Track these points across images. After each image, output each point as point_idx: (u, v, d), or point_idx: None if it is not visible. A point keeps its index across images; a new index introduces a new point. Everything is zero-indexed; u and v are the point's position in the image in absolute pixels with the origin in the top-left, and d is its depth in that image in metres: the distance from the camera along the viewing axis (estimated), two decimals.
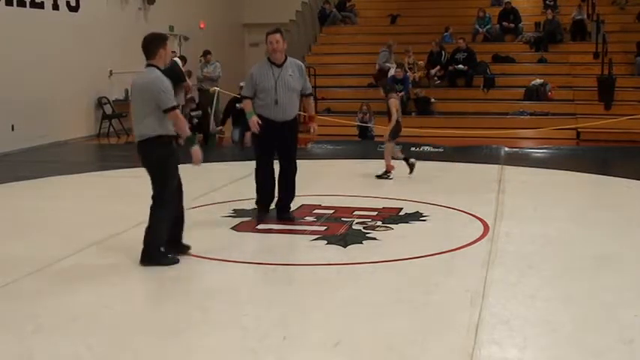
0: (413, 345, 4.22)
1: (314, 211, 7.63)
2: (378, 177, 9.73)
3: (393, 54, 16.45)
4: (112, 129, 15.25)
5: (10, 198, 8.72)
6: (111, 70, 15.63)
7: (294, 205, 7.60)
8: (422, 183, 9.79)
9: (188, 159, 5.93)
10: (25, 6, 13.17)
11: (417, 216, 7.47)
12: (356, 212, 7.57)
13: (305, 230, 6.89)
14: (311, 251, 6.25)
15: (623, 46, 16.20)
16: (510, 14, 17.91)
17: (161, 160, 5.83)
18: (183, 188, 6.00)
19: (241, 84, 14.25)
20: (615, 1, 18.35)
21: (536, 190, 9.21)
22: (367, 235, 6.69)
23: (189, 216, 7.58)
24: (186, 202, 8.04)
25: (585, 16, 17.36)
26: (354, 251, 6.17)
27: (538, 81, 15.70)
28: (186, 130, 5.82)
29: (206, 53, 16.12)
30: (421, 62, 16.60)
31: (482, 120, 14.96)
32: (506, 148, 12.70)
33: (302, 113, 7.84)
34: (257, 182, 7.37)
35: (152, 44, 5.91)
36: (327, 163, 10.34)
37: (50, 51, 13.44)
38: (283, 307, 4.91)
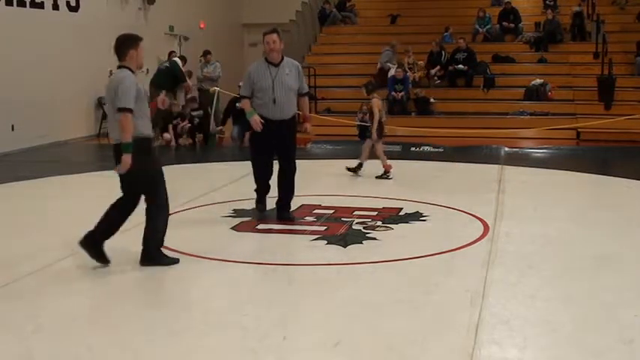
0: (413, 345, 4.22)
1: (314, 211, 7.63)
2: (378, 177, 9.74)
3: (396, 54, 16.44)
4: None
5: (10, 198, 8.72)
6: (111, 70, 15.49)
7: (294, 205, 7.60)
8: (422, 183, 9.80)
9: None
10: (25, 6, 13.17)
11: (417, 216, 7.47)
12: (356, 212, 7.57)
13: (305, 230, 6.89)
14: (311, 251, 6.25)
15: (623, 46, 16.20)
16: (510, 14, 17.91)
17: (140, 164, 5.66)
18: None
19: (240, 84, 14.31)
20: (615, 1, 18.35)
21: (536, 190, 9.21)
22: (367, 235, 6.69)
23: (189, 216, 7.63)
24: (187, 202, 8.11)
25: (584, 11, 17.36)
26: (354, 251, 6.17)
27: (538, 81, 15.70)
28: (127, 137, 5.55)
29: (206, 53, 16.13)
30: (421, 62, 16.60)
31: (482, 120, 14.96)
32: (506, 148, 12.71)
33: (299, 112, 7.87)
34: (255, 177, 7.43)
35: (123, 45, 5.85)
36: (327, 163, 10.35)
37: (50, 51, 13.44)
38: (283, 307, 4.91)
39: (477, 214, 7.44)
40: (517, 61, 17.00)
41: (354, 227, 6.96)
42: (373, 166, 10.02)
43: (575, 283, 5.36)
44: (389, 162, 9.86)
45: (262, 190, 7.50)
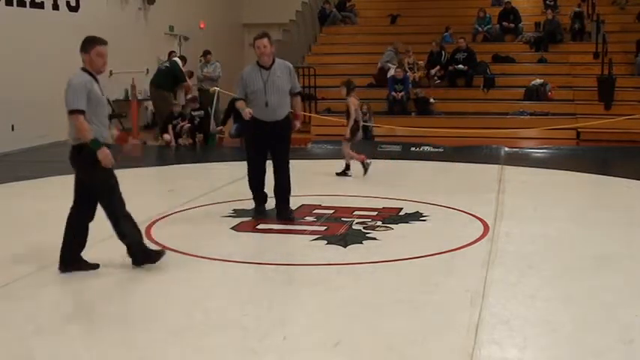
0: (413, 345, 4.22)
1: (314, 211, 7.63)
2: (338, 174, 9.85)
3: (398, 55, 16.44)
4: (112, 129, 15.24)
5: (10, 198, 8.72)
6: (111, 70, 15.59)
7: (294, 205, 7.62)
8: (422, 183, 9.80)
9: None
10: (25, 6, 13.18)
11: (417, 216, 7.47)
12: (356, 212, 7.57)
13: (305, 230, 6.89)
14: (311, 251, 6.25)
15: (623, 46, 16.20)
16: (510, 14, 17.90)
17: (91, 167, 5.46)
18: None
19: None
20: (615, 1, 18.35)
21: (536, 190, 9.22)
22: (367, 235, 6.69)
23: (189, 216, 7.63)
24: (187, 202, 8.11)
25: (584, 11, 17.38)
26: (354, 251, 6.17)
27: (538, 81, 15.69)
28: (87, 135, 5.35)
29: (206, 53, 16.13)
30: (421, 62, 16.60)
31: (482, 120, 14.95)
32: (506, 148, 12.70)
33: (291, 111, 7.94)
34: (250, 181, 7.53)
35: (81, 48, 5.75)
36: (327, 163, 10.34)
37: (50, 51, 13.43)
38: (283, 307, 4.91)
39: (477, 214, 7.44)
40: (517, 61, 16.99)
41: (354, 227, 6.96)
42: (373, 166, 10.02)
43: (575, 283, 5.36)
44: (364, 156, 9.94)
45: (259, 199, 7.58)
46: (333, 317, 4.67)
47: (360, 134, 10.29)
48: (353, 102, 10.03)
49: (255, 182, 7.51)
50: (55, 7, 13.94)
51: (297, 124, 7.82)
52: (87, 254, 5.67)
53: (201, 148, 13.54)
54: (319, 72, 16.32)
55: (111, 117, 15.23)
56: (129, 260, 5.73)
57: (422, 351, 4.16)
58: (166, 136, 13.52)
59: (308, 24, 19.47)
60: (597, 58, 15.78)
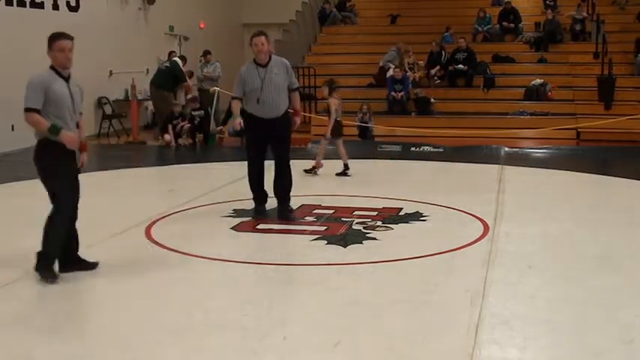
0: (413, 345, 4.22)
1: (314, 211, 7.63)
2: (306, 172, 9.87)
3: (400, 55, 16.42)
4: (112, 129, 15.26)
5: (10, 198, 8.71)
6: (111, 70, 15.63)
7: (294, 205, 7.63)
8: (422, 183, 9.80)
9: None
10: (25, 6, 13.17)
11: (417, 216, 7.47)
12: (356, 212, 7.57)
13: (305, 230, 6.89)
14: (311, 251, 6.25)
15: (623, 46, 16.20)
16: (510, 14, 17.90)
17: (48, 168, 5.38)
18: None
19: None
20: (615, 1, 18.35)
21: (536, 190, 9.22)
22: (367, 235, 6.69)
23: (189, 216, 7.63)
24: (187, 202, 8.11)
25: (585, 14, 17.37)
26: (354, 251, 6.17)
27: (538, 81, 15.69)
28: (41, 128, 5.25)
29: (206, 53, 16.13)
30: (421, 62, 16.60)
31: (482, 120, 14.95)
32: (506, 148, 12.70)
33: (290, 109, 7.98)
34: (250, 180, 7.58)
35: (47, 45, 5.69)
36: (327, 163, 10.33)
37: None
38: (283, 307, 4.91)
39: (477, 214, 7.44)
40: (517, 61, 16.99)
41: (354, 227, 6.96)
42: (374, 166, 10.03)
43: (575, 283, 5.36)
44: (323, 161, 9.98)
45: (260, 196, 7.61)
46: (333, 317, 4.67)
47: (342, 133, 10.33)
48: (334, 102, 10.12)
49: (255, 182, 7.55)
50: (55, 7, 13.93)
51: (297, 120, 7.89)
52: (86, 254, 5.67)
53: (201, 148, 13.54)
54: (319, 72, 16.32)
55: (110, 117, 15.29)
56: (129, 260, 5.74)
57: (422, 351, 4.16)
58: (166, 136, 13.51)
59: (308, 24, 19.47)
60: (597, 58, 15.78)
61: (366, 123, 14.07)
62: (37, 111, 5.28)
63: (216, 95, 14.32)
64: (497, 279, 5.38)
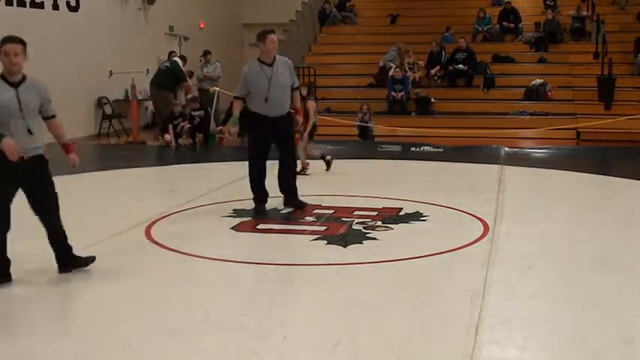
0: (413, 345, 4.22)
1: (314, 211, 7.63)
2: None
3: (401, 55, 16.43)
4: (112, 129, 15.26)
5: None
6: (111, 70, 15.63)
7: (294, 205, 7.64)
8: (422, 183, 9.80)
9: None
10: (25, 6, 13.18)
11: (417, 216, 7.47)
12: (356, 212, 7.57)
13: (305, 230, 6.89)
14: (311, 251, 6.25)
15: (623, 46, 16.20)
16: (510, 14, 17.91)
17: None
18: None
19: None
20: (615, 1, 18.35)
21: (536, 190, 9.21)
22: (367, 235, 6.69)
23: (189, 216, 7.63)
24: (186, 202, 8.11)
25: (585, 13, 17.38)
26: (354, 251, 6.17)
27: (538, 81, 15.70)
28: None
29: (206, 53, 16.13)
30: (421, 62, 16.60)
31: (482, 120, 14.96)
32: (506, 148, 12.70)
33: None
34: (251, 180, 7.64)
35: None
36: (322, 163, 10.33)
37: (50, 51, 13.42)
38: (283, 307, 4.91)
39: (477, 214, 7.44)
40: (517, 61, 17.00)
41: (354, 227, 6.96)
42: (374, 166, 10.03)
43: (575, 283, 5.36)
44: (308, 161, 10.05)
45: (261, 196, 7.64)
46: (333, 317, 4.67)
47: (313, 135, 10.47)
48: (312, 105, 10.22)
49: (257, 182, 7.58)
50: (55, 7, 13.93)
51: (299, 119, 8.00)
52: (85, 253, 5.67)
53: (201, 148, 13.53)
54: (319, 72, 16.33)
55: (110, 117, 15.29)
56: (129, 260, 5.74)
57: (422, 351, 4.16)
58: (167, 136, 13.51)
59: (308, 24, 19.47)
60: (597, 58, 15.78)
61: (366, 123, 14.07)
62: None
63: (216, 95, 14.32)
64: (497, 279, 5.38)
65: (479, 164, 11.09)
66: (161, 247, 6.31)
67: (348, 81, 17.12)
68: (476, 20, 17.94)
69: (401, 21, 19.24)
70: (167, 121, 13.72)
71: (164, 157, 12.95)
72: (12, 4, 12.86)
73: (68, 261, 5.54)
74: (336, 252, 6.15)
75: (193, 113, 13.75)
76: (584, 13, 17.43)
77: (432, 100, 15.57)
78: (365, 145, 13.45)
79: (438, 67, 16.35)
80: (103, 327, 4.52)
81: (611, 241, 6.62)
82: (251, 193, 7.67)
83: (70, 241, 5.62)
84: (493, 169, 10.59)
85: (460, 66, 16.10)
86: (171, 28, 18.28)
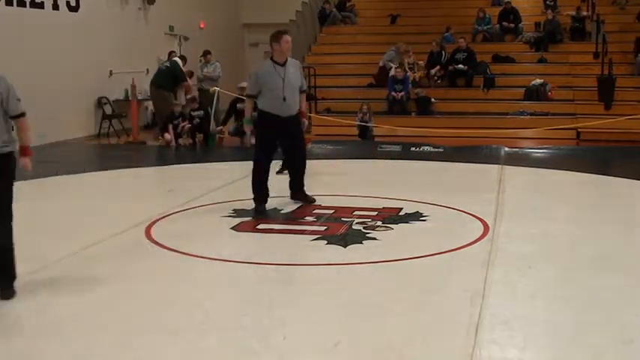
0: (413, 345, 4.22)
1: (314, 211, 7.63)
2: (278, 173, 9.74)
3: (399, 55, 16.42)
4: (112, 129, 15.26)
5: None
6: (111, 70, 15.63)
7: (294, 205, 7.63)
8: (422, 183, 9.80)
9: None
10: (25, 6, 13.17)
11: (417, 216, 7.47)
12: (356, 212, 7.57)
13: (305, 230, 6.89)
14: (311, 251, 6.25)
15: (623, 46, 16.19)
16: (510, 14, 17.89)
17: None
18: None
19: (242, 84, 14.30)
20: (615, 1, 18.34)
21: (536, 190, 9.22)
22: (367, 235, 6.69)
23: (189, 216, 7.63)
24: (187, 203, 8.11)
25: (585, 13, 17.38)
26: (354, 251, 6.17)
27: (538, 81, 15.69)
28: None
29: (206, 53, 16.13)
30: (421, 62, 16.60)
31: (482, 120, 14.94)
32: (506, 148, 12.70)
33: None
34: (254, 180, 7.68)
35: None
36: (327, 163, 10.35)
37: (50, 51, 13.43)
38: (283, 307, 4.91)
39: (477, 214, 7.44)
40: (517, 61, 16.98)
41: (354, 227, 6.96)
42: (374, 166, 10.04)
43: (575, 283, 5.36)
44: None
45: (262, 196, 7.67)
46: (333, 317, 4.67)
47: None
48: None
49: (260, 182, 7.65)
50: (55, 7, 13.93)
51: (305, 121, 8.16)
52: (86, 254, 5.66)
53: (201, 148, 13.53)
54: (319, 72, 16.32)
55: (110, 117, 15.29)
56: (129, 260, 5.73)
57: (422, 351, 4.16)
58: (167, 136, 13.51)
59: (308, 24, 19.46)
60: (597, 58, 15.77)
61: (366, 123, 14.07)
62: None
63: (216, 95, 14.31)
64: (497, 279, 5.38)
65: (479, 164, 11.09)
66: (161, 247, 6.31)
67: (348, 81, 17.10)
68: (476, 20, 17.93)
69: (401, 21, 19.23)
70: (167, 121, 13.72)
71: (164, 157, 12.95)
72: (12, 4, 12.85)
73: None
74: (336, 252, 6.16)
75: (193, 113, 13.75)
76: (584, 13, 17.43)
77: (432, 100, 15.56)
78: (365, 145, 13.45)
79: (438, 67, 16.33)
80: (103, 327, 4.52)
81: (611, 241, 6.62)
82: (251, 192, 7.68)
83: (71, 240, 5.62)
84: (493, 169, 10.59)
85: (460, 66, 16.10)
86: (171, 28, 18.28)
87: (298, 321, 4.65)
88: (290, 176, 8.01)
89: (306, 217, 7.41)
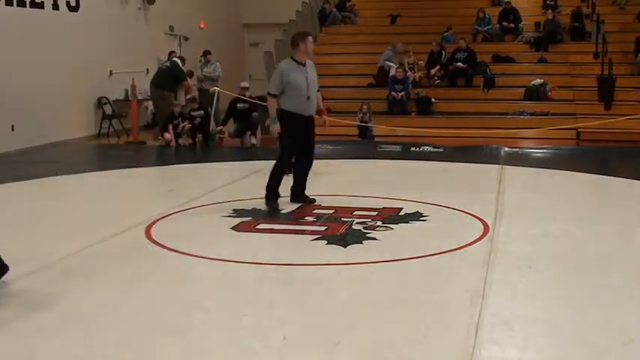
0: (413, 345, 4.22)
1: (314, 211, 7.63)
2: None
3: (397, 54, 16.43)
4: (112, 129, 15.26)
5: (10, 198, 8.71)
6: (111, 70, 15.63)
7: (294, 206, 7.63)
8: (422, 183, 9.80)
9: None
10: (25, 6, 13.17)
11: (417, 216, 7.47)
12: (356, 212, 7.57)
13: (305, 230, 6.89)
14: (311, 251, 6.25)
15: (623, 46, 16.20)
16: (510, 14, 17.91)
17: None
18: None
19: (242, 84, 14.31)
20: (615, 1, 18.35)
21: (536, 190, 9.22)
22: (367, 235, 6.69)
23: (189, 216, 7.63)
24: (187, 202, 8.11)
25: (585, 11, 17.40)
26: (354, 251, 6.17)
27: (538, 81, 15.70)
28: None
29: (206, 53, 16.13)
30: (421, 62, 16.60)
31: (482, 120, 14.95)
32: (506, 148, 12.70)
33: None
34: (277, 178, 7.82)
35: None
36: (327, 163, 10.34)
37: (50, 51, 13.44)
38: (283, 307, 4.91)
39: (477, 214, 7.44)
40: (517, 61, 16.99)
41: (354, 227, 6.96)
42: (374, 166, 10.03)
43: (575, 283, 5.36)
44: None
45: (277, 195, 7.80)
46: (333, 317, 4.66)
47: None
48: None
49: (280, 182, 7.81)
50: (55, 7, 13.92)
51: (327, 119, 8.54)
52: (85, 254, 5.66)
53: (201, 148, 13.53)
54: (319, 72, 16.09)
55: (110, 117, 15.29)
56: (129, 260, 5.73)
57: (422, 351, 4.16)
58: (167, 135, 13.50)
59: (308, 24, 19.44)
60: (597, 58, 15.78)
61: (366, 123, 14.07)
62: None
63: (216, 95, 14.31)
64: (497, 279, 5.38)
65: (479, 164, 11.10)
66: (161, 247, 6.31)
67: (348, 81, 17.10)
68: (476, 20, 17.94)
69: (401, 21, 19.24)
70: (167, 121, 13.72)
71: (164, 157, 12.95)
72: (12, 4, 12.85)
73: None
74: (336, 252, 6.15)
75: (193, 113, 13.75)
76: (585, 12, 17.42)
77: (432, 100, 15.56)
78: (365, 145, 13.45)
79: (438, 67, 16.34)
80: (103, 327, 4.52)
81: (611, 241, 6.62)
82: (265, 190, 7.78)
83: (71, 240, 5.62)
84: (493, 169, 10.59)
85: (460, 64, 16.09)
86: (171, 28, 18.28)
87: (298, 321, 4.64)
88: (294, 178, 8.01)
89: (306, 217, 7.41)
